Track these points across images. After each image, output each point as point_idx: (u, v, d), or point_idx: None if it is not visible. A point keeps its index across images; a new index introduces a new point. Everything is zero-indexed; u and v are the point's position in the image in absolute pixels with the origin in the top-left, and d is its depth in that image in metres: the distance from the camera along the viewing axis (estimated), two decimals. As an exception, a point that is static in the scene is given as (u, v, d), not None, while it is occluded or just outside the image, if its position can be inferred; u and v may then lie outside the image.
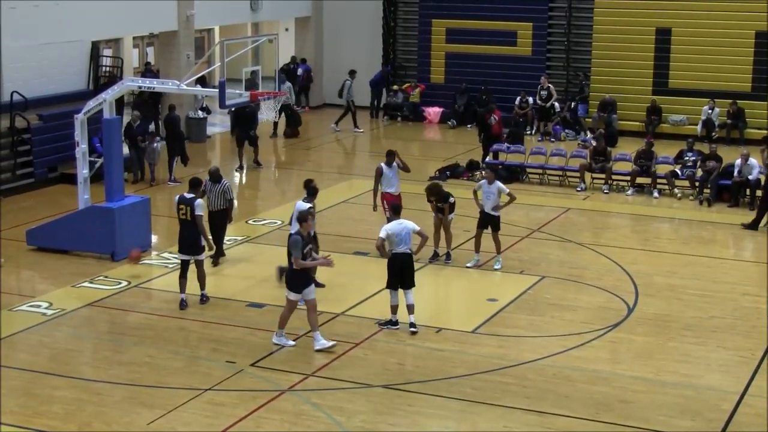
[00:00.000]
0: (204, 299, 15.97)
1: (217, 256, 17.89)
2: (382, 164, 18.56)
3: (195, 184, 16.23)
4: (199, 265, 15.91)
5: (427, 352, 13.98)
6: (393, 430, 11.89)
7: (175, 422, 11.93)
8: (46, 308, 15.76)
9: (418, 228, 15.08)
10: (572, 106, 31.18)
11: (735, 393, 12.99)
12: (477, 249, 17.96)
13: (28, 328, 14.97)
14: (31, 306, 15.88)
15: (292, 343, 14.24)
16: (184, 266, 15.87)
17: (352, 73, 32.36)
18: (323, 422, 12.02)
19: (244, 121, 26.19)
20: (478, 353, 14.15)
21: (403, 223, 14.94)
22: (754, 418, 12.35)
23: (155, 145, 24.21)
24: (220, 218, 17.76)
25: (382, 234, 14.86)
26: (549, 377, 13.40)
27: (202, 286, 15.98)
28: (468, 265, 17.90)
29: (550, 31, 32.80)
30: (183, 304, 15.75)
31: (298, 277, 14.08)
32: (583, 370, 13.62)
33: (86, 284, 16.89)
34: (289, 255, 14.86)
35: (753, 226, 20.75)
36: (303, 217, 14.33)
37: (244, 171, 25.94)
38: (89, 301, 16.09)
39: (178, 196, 16.10)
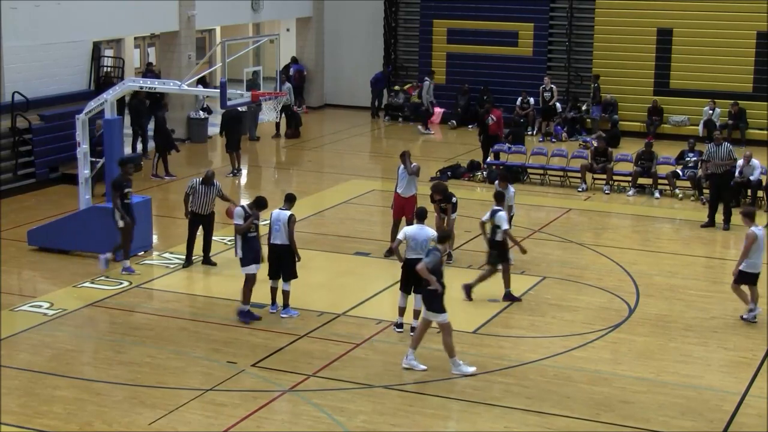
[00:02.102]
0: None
1: (207, 262, 17.72)
2: (402, 165, 18.55)
3: (259, 204, 15.34)
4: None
5: (428, 353, 13.95)
6: (394, 431, 11.89)
7: (177, 422, 11.93)
8: (47, 308, 15.75)
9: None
10: (587, 109, 31.10)
11: (736, 393, 12.99)
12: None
13: (30, 328, 14.96)
14: (32, 306, 15.87)
15: (423, 367, 13.45)
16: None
17: (431, 74, 32.27)
18: (324, 422, 12.02)
19: (231, 124, 25.90)
20: (479, 353, 14.14)
21: (424, 229, 14.50)
22: (755, 419, 12.35)
23: None
24: (209, 222, 17.61)
25: (400, 236, 14.59)
26: (550, 377, 13.40)
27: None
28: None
29: (552, 31, 32.76)
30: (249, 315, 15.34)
31: (438, 297, 13.24)
32: (584, 370, 13.62)
33: (87, 284, 16.88)
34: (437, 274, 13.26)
35: (709, 224, 20.84)
36: (447, 235, 14.01)
37: (240, 173, 25.73)
38: (90, 302, 16.08)
39: None
